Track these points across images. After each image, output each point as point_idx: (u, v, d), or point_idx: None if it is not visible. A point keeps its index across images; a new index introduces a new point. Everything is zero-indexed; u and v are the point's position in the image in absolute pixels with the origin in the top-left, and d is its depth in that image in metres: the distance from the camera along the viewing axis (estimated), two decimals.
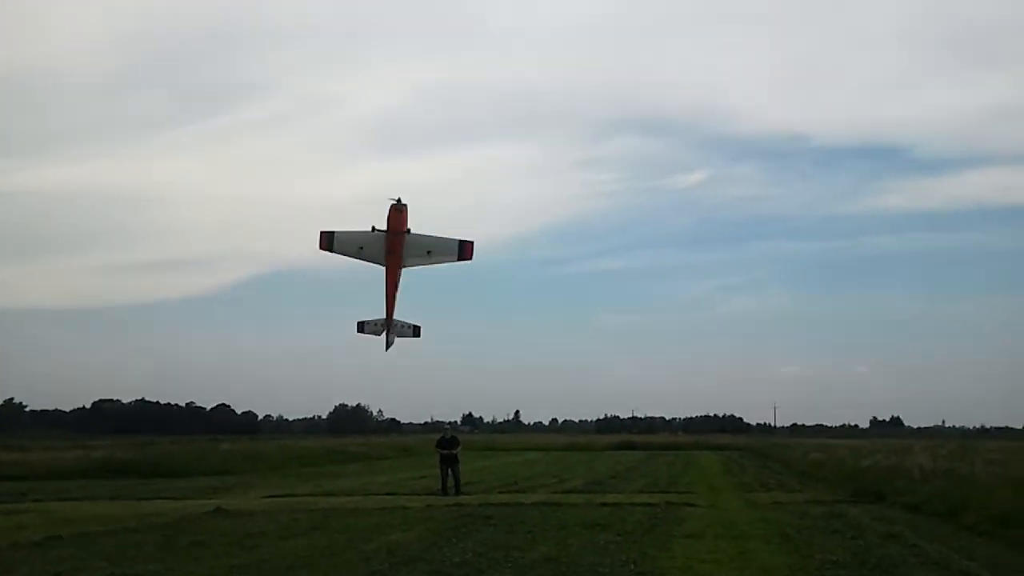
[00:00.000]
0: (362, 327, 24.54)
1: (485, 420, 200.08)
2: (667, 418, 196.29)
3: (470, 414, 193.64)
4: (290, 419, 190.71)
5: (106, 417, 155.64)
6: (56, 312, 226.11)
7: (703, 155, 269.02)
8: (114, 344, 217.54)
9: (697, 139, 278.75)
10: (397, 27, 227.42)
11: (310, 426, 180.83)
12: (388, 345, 24.56)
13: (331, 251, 22.80)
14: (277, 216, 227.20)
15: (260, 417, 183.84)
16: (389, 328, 24.20)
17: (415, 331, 24.67)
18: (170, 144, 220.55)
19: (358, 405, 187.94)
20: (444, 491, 32.28)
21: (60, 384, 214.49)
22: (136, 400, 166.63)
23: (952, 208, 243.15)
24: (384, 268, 23.21)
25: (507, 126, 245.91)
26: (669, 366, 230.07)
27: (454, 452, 33.09)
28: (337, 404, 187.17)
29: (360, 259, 23.10)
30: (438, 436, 35.99)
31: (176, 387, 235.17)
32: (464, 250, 22.87)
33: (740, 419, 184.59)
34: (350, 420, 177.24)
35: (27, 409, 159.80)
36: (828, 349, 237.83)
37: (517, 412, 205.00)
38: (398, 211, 22.34)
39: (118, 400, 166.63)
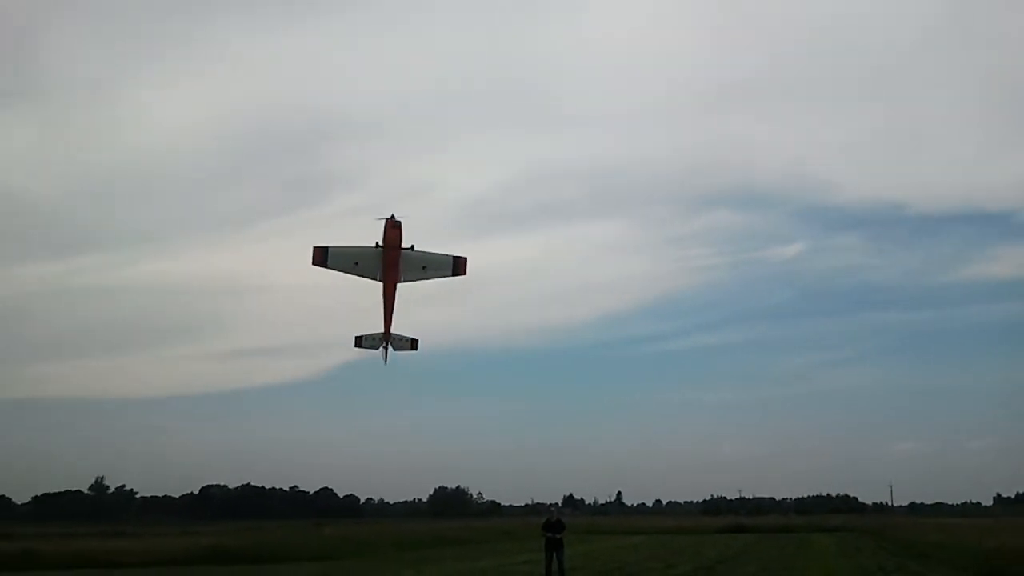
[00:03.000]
0: (360, 342, 24.25)
1: (586, 502, 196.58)
2: (777, 499, 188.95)
3: (571, 495, 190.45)
4: (391, 502, 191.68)
5: (213, 502, 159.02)
6: (164, 400, 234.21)
7: (799, 226, 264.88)
8: (220, 430, 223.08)
9: (792, 210, 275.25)
10: (482, 115, 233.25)
11: (411, 509, 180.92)
12: (386, 358, 24.40)
13: (325, 267, 22.39)
14: (374, 301, 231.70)
15: (362, 500, 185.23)
16: (387, 342, 24.02)
17: (413, 344, 24.31)
18: (268, 233, 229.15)
19: (458, 487, 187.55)
20: None
21: (169, 470, 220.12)
22: (242, 485, 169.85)
23: None
24: (378, 283, 23.05)
25: (597, 205, 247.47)
26: (776, 444, 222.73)
27: (560, 536, 32.19)
28: (437, 487, 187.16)
29: (355, 274, 22.77)
30: (542, 519, 35.03)
31: (279, 471, 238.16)
32: (458, 265, 22.83)
33: (854, 499, 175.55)
34: (450, 502, 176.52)
35: (137, 496, 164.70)
36: (943, 423, 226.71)
37: (619, 493, 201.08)
38: (395, 227, 22.14)
39: (225, 485, 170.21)
